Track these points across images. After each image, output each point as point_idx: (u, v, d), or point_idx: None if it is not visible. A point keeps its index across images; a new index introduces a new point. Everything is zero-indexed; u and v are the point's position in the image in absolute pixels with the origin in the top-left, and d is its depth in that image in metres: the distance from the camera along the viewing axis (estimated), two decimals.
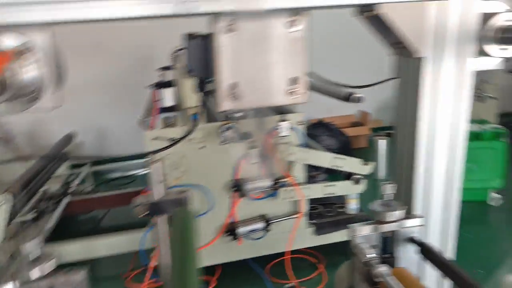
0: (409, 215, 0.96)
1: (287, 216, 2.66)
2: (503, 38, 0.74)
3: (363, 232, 0.94)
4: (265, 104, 0.83)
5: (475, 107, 4.99)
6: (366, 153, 4.99)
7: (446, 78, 0.76)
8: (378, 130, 5.12)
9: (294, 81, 0.83)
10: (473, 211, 3.44)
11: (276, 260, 2.73)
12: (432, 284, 1.02)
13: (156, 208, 0.96)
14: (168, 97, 2.25)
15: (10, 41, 0.67)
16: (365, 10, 0.75)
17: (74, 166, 4.15)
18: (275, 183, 2.50)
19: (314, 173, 3.38)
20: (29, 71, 0.70)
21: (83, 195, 3.79)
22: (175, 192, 0.98)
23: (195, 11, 0.70)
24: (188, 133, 1.60)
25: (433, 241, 1.00)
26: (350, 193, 2.72)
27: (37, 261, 0.87)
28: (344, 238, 1.68)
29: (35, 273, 0.84)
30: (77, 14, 0.63)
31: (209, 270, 2.66)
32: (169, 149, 2.40)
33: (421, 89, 0.76)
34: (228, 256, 2.67)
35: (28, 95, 0.73)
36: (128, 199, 3.72)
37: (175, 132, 2.34)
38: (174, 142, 1.69)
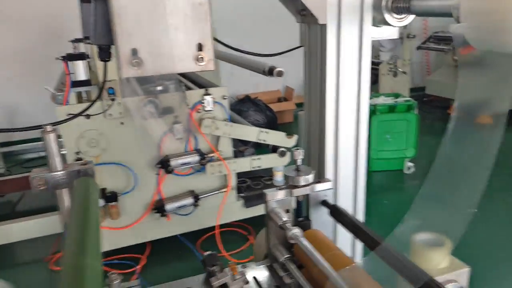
0: (320, 179, 0.99)
1: (216, 191, 2.66)
2: (397, 8, 0.76)
3: (278, 196, 0.95)
4: (170, 70, 0.78)
5: (390, 82, 5.29)
6: (292, 128, 5.13)
7: (348, 45, 0.78)
8: (302, 105, 5.27)
9: (199, 47, 0.79)
10: (390, 180, 3.70)
11: (207, 235, 2.74)
12: (345, 245, 1.07)
13: (54, 180, 0.89)
14: (80, 70, 2.09)
15: None
16: None
17: None
18: (202, 159, 2.47)
19: (242, 148, 3.40)
20: None
21: None
22: (77, 163, 0.91)
23: None
24: (87, 107, 1.50)
25: (344, 204, 1.04)
26: (276, 165, 2.77)
27: None
28: None
29: None
30: None
31: (139, 248, 2.60)
32: (86, 125, 2.26)
33: (325, 56, 0.77)
34: (158, 233, 2.62)
35: None
36: None
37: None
38: (73, 116, 1.58)
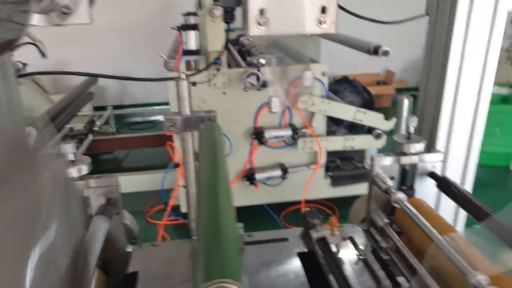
0: (429, 149, 0.97)
1: (305, 166, 2.70)
2: None
3: (385, 162, 0.96)
4: (294, 31, 0.82)
5: (507, 71, 4.81)
6: (389, 113, 4.91)
7: (479, 16, 0.74)
8: (403, 91, 5.02)
9: (323, 10, 0.82)
10: (494, 176, 3.41)
11: (292, 208, 2.80)
12: (448, 216, 1.04)
13: (183, 123, 0.99)
14: (191, 40, 2.24)
15: None
16: None
17: (98, 109, 4.24)
18: (295, 133, 2.51)
19: (335, 128, 3.38)
20: None
21: (105, 135, 3.90)
22: (202, 111, 1.01)
23: None
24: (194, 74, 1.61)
25: (452, 177, 1.01)
26: (370, 147, 2.72)
27: (73, 163, 0.92)
28: (360, 192, 1.71)
29: (73, 172, 0.89)
30: None
31: None
32: (192, 92, 2.42)
33: (452, 26, 0.75)
34: (245, 200, 2.75)
35: (62, 9, 0.74)
36: (149, 142, 3.83)
37: (197, 76, 2.35)
38: (199, 71, 1.70)
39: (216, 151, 0.77)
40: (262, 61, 2.46)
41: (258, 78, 2.34)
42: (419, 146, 0.95)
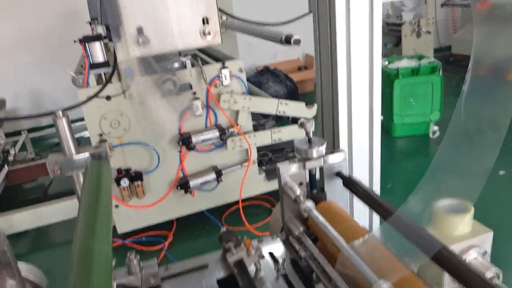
0: (333, 150, 0.97)
1: (238, 165, 2.68)
2: None
3: (291, 170, 0.95)
4: (176, 47, 0.77)
5: (413, 43, 5.08)
6: (314, 97, 5.02)
7: (357, 8, 0.74)
8: None
9: (205, 21, 0.78)
10: (415, 145, 3.62)
11: (232, 209, 2.78)
12: (363, 217, 1.07)
13: (68, 165, 0.91)
14: (97, 52, 2.10)
15: None
16: None
17: (10, 135, 3.91)
18: (222, 134, 2.48)
19: (263, 121, 3.39)
20: None
21: (24, 162, 3.61)
22: (91, 147, 0.93)
23: None
24: (101, 89, 1.52)
25: (360, 174, 1.03)
26: (297, 137, 2.75)
27: None
28: None
29: None
30: None
31: (165, 226, 2.67)
32: (107, 107, 2.30)
33: (334, 21, 0.74)
34: (183, 209, 2.68)
35: None
36: None
37: (110, 89, 2.23)
38: (88, 98, 1.60)
39: (98, 196, 0.71)
40: (176, 64, 2.38)
41: (174, 83, 2.26)
42: (322, 149, 0.95)
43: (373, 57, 0.80)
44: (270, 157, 3.02)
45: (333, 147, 1.01)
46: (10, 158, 3.27)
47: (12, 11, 4.24)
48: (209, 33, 0.79)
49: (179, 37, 0.77)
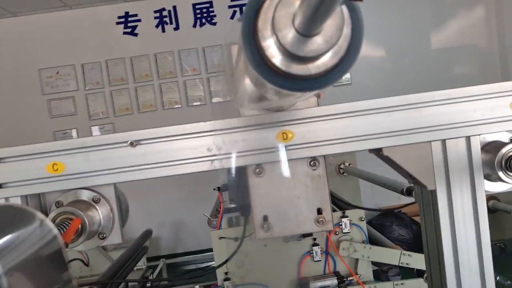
0: None
1: None
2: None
3: None
4: (295, 232, 0.93)
5: None
6: None
7: (460, 208, 0.81)
8: None
9: (319, 211, 0.93)
10: None
11: None
12: None
13: None
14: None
15: (86, 195, 0.87)
16: (374, 152, 0.85)
17: (151, 259, 4.40)
18: (341, 282, 2.45)
19: (386, 268, 3.24)
20: (99, 216, 0.89)
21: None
22: None
23: (226, 165, 0.86)
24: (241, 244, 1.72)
25: None
26: None
27: None
28: None
29: None
30: (133, 176, 0.82)
31: None
32: (234, 247, 2.52)
33: (438, 220, 0.81)
34: None
35: (99, 234, 0.91)
36: None
37: (237, 231, 2.47)
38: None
39: None
40: None
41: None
42: None
43: (483, 251, 0.82)
44: None
45: None
46: (148, 285, 3.64)
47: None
48: (322, 221, 0.93)
49: (296, 225, 0.93)
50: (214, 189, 2.59)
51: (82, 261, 3.77)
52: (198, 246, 5.19)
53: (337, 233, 2.52)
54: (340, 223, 2.51)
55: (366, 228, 2.54)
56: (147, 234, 4.26)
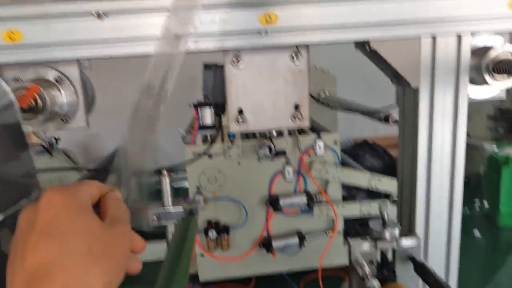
0: (407, 234, 0.98)
1: (322, 233, 2.67)
2: (500, 68, 0.76)
3: (362, 248, 0.97)
4: (269, 127, 0.90)
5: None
6: None
7: (441, 108, 0.79)
8: None
9: (296, 107, 0.89)
10: None
11: (311, 276, 2.74)
12: None
13: (165, 215, 1.05)
14: (207, 116, 2.36)
15: (48, 74, 0.80)
16: (361, 46, 0.80)
17: None
18: (310, 200, 2.53)
19: (355, 192, 3.36)
20: (61, 98, 0.83)
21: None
22: (186, 202, 1.07)
23: (203, 47, 0.79)
24: (208, 148, 1.70)
25: (436, 263, 1.00)
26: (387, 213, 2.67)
27: None
28: None
29: None
30: (101, 52, 0.75)
31: (245, 281, 2.73)
32: (207, 163, 2.53)
33: (417, 121, 0.80)
34: (263, 268, 2.72)
35: (62, 117, 0.85)
36: None
37: (213, 148, 2.46)
38: (198, 155, 1.80)
39: (182, 249, 0.82)
40: (274, 132, 2.55)
41: (270, 149, 2.41)
42: (395, 232, 0.96)
43: (457, 152, 0.82)
44: (358, 230, 2.95)
45: (409, 231, 1.01)
46: None
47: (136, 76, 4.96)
48: (299, 118, 0.90)
49: (272, 120, 0.90)
50: (189, 106, 2.53)
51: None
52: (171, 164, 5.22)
53: (311, 155, 2.55)
54: (314, 145, 2.53)
55: (339, 151, 2.57)
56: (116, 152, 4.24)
